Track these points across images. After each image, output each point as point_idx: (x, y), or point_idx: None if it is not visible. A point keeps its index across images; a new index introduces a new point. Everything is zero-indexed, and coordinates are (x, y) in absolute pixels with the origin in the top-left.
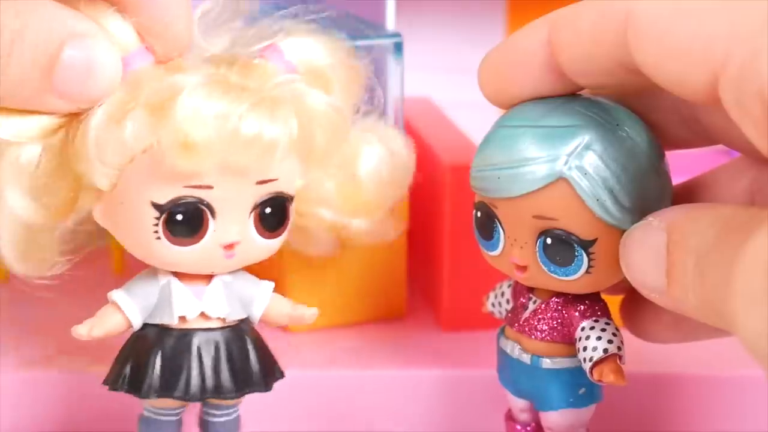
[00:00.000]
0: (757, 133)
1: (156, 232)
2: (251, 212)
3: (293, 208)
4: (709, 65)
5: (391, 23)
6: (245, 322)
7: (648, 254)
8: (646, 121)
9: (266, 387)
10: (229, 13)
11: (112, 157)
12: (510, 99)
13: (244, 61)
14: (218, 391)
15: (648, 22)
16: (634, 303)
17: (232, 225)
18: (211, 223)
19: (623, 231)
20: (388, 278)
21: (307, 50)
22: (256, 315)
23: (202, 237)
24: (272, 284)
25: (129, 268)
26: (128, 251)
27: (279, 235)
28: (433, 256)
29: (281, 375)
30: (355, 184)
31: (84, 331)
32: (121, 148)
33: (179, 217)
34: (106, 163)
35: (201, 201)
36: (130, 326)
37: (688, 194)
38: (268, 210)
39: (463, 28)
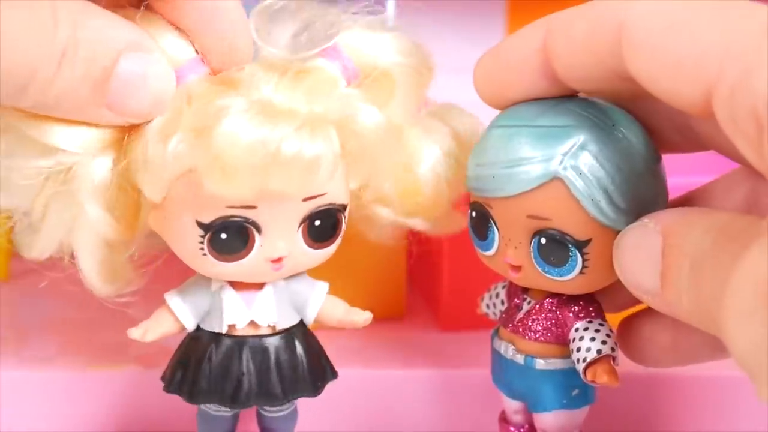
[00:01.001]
0: (751, 150)
1: (202, 249)
2: (300, 225)
3: (347, 214)
4: (702, 81)
5: (391, 23)
6: (298, 325)
7: (642, 256)
8: (641, 125)
9: (315, 391)
10: (296, 4)
11: (158, 172)
12: (506, 102)
13: (300, 68)
14: (266, 397)
15: (641, 35)
16: (631, 327)
17: (279, 240)
18: (258, 239)
19: (618, 232)
20: (387, 278)
21: (372, 48)
22: (309, 317)
23: (248, 253)
24: (327, 285)
25: None
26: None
27: (331, 244)
28: (432, 256)
29: (333, 376)
30: (414, 187)
31: (138, 334)
32: (163, 165)
33: (223, 235)
34: (154, 177)
35: (246, 219)
36: (183, 329)
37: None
38: (317, 222)
39: (463, 28)
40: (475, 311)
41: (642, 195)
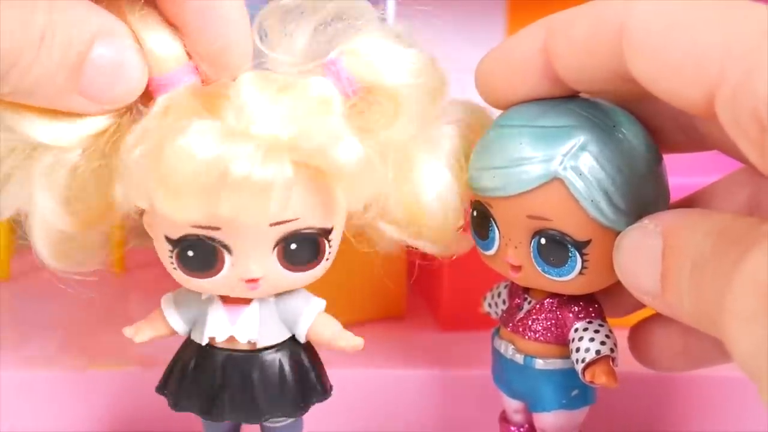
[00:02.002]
0: (754, 151)
1: (172, 263)
2: (275, 248)
3: (335, 237)
4: (703, 83)
5: (391, 23)
6: (287, 342)
7: (643, 257)
8: (644, 126)
9: (297, 412)
10: (307, 5)
11: (130, 180)
12: (507, 102)
13: (281, 85)
14: (242, 412)
15: (641, 36)
16: (642, 332)
17: (251, 262)
18: (228, 258)
19: (618, 233)
20: (388, 278)
21: (378, 65)
22: (300, 334)
23: (218, 272)
24: (322, 303)
25: (129, 269)
26: None
27: (313, 267)
28: (432, 256)
29: (324, 395)
30: (420, 211)
31: (130, 333)
32: (131, 174)
33: (190, 253)
34: (132, 185)
35: (212, 239)
36: (174, 332)
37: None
38: (293, 246)
39: (463, 28)
40: (475, 311)
41: (643, 196)
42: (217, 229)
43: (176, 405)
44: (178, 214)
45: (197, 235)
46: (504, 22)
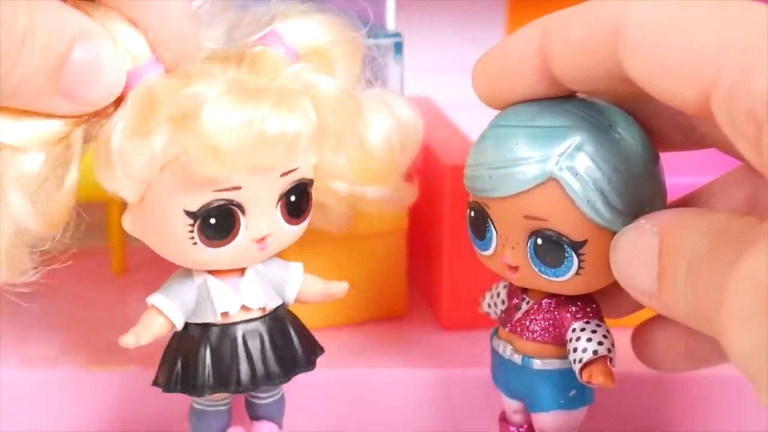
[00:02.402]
0: (751, 150)
1: (192, 238)
2: (278, 203)
3: (313, 190)
4: (699, 83)
5: (391, 23)
6: (282, 306)
7: (639, 257)
8: (642, 125)
9: (310, 366)
10: (222, 4)
11: (139, 170)
12: (504, 102)
13: (250, 55)
14: (268, 377)
15: (637, 36)
16: (645, 333)
17: (262, 219)
18: (243, 221)
19: (614, 233)
20: (388, 278)
21: (306, 31)
22: (290, 298)
23: (236, 235)
24: (301, 265)
25: (129, 268)
26: (161, 255)
27: (304, 219)
28: (433, 255)
29: (321, 350)
30: (366, 154)
31: (132, 340)
32: (147, 161)
33: (212, 221)
34: (133, 178)
35: (231, 202)
36: (173, 328)
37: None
38: (293, 198)
39: (463, 28)
40: (475, 311)
41: (639, 196)
42: (238, 188)
43: (199, 393)
44: (223, 172)
45: (218, 200)
46: (504, 22)
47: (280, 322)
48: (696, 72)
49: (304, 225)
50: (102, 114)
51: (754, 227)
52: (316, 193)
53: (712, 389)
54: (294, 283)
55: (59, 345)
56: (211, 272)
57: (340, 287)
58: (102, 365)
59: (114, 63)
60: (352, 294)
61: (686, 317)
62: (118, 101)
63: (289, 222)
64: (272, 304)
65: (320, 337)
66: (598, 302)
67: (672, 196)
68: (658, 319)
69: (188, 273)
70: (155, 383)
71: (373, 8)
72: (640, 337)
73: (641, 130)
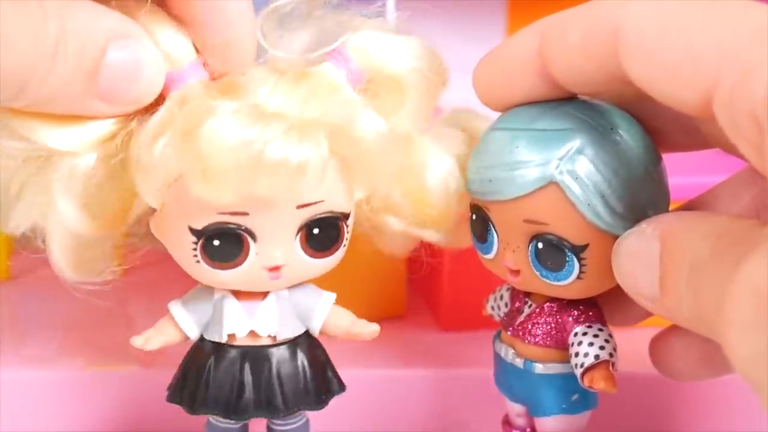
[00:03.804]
0: (753, 152)
1: (195, 256)
2: (297, 233)
3: (350, 223)
4: (700, 85)
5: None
6: (302, 336)
7: (641, 262)
8: (645, 126)
9: (319, 405)
10: (304, 9)
11: (150, 177)
12: (505, 105)
13: (298, 72)
14: (267, 408)
15: (636, 39)
16: (662, 343)
17: (275, 249)
18: (252, 247)
19: (616, 236)
20: (388, 278)
21: (381, 53)
22: (315, 327)
23: (243, 261)
24: (333, 296)
25: (129, 269)
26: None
27: (332, 253)
28: (432, 256)
29: (341, 389)
30: (423, 195)
31: (140, 342)
32: (153, 170)
33: (216, 242)
34: (148, 182)
35: (239, 226)
36: (187, 338)
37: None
38: (316, 231)
39: (463, 28)
40: (475, 311)
41: (641, 199)
42: (245, 214)
43: (195, 411)
44: (214, 197)
45: (224, 223)
46: (504, 22)
47: (293, 354)
48: (696, 74)
49: (333, 259)
50: (149, 111)
51: (756, 231)
52: (372, 219)
53: (717, 390)
54: (321, 313)
55: (58, 345)
56: (233, 291)
57: (368, 329)
58: (101, 365)
59: (151, 61)
60: (352, 294)
61: (688, 321)
62: (161, 100)
63: (310, 255)
64: (287, 333)
65: (319, 337)
66: (606, 309)
67: (677, 196)
68: (674, 328)
69: (211, 287)
70: (168, 388)
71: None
72: (657, 347)
73: (643, 132)
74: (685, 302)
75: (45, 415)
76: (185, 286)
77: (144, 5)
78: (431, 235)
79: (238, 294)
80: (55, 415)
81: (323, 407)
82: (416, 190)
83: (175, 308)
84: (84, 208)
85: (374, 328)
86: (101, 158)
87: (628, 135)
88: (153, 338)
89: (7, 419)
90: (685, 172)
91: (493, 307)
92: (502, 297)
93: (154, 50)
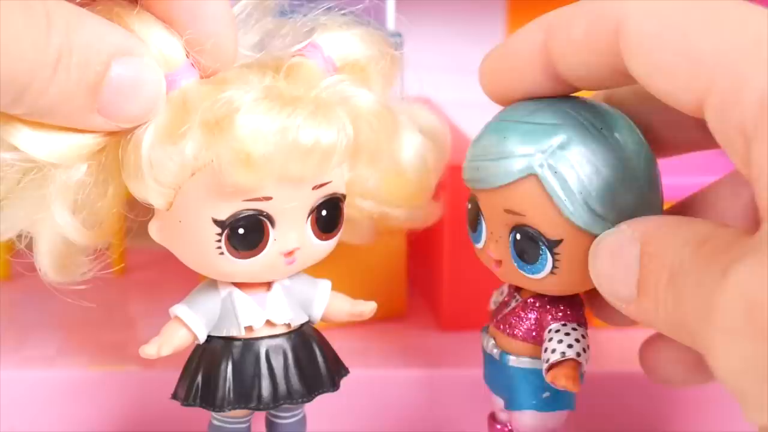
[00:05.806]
0: (740, 162)
1: (219, 248)
2: (308, 217)
3: (345, 205)
4: (694, 88)
5: (391, 23)
6: (307, 324)
7: (619, 264)
8: (650, 122)
9: (334, 387)
10: (260, 12)
11: (169, 176)
12: (511, 100)
13: (288, 64)
14: (290, 396)
15: (636, 37)
16: (653, 350)
17: (291, 232)
18: (272, 233)
19: (593, 236)
20: (388, 278)
21: (345, 44)
22: (316, 315)
23: (264, 247)
24: (329, 283)
25: (129, 269)
26: (188, 266)
27: (335, 235)
28: (433, 256)
29: (346, 372)
30: (399, 173)
31: (153, 350)
32: (178, 167)
33: (241, 231)
34: (162, 183)
35: (261, 212)
36: (196, 340)
37: (686, 211)
38: (324, 212)
39: (463, 28)
40: (475, 311)
41: (624, 202)
42: (269, 199)
43: (222, 409)
44: (255, 181)
45: (248, 209)
46: (504, 22)
47: (306, 340)
48: (692, 78)
49: (333, 241)
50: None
51: (742, 239)
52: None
53: (717, 390)
54: (321, 301)
55: (58, 345)
56: (237, 285)
57: (368, 307)
58: (101, 365)
59: (152, 80)
60: (352, 294)
61: (665, 327)
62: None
63: (319, 237)
64: (298, 320)
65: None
66: (606, 309)
67: (674, 196)
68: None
69: (213, 285)
70: (174, 396)
71: (373, 8)
72: (648, 354)
73: (639, 138)
74: (663, 307)
75: (45, 415)
76: (185, 286)
77: (130, 8)
78: (401, 213)
79: (243, 287)
80: (55, 415)
81: (337, 389)
82: (392, 167)
83: (182, 311)
84: (76, 217)
85: (373, 305)
86: (91, 170)
87: (620, 137)
88: (165, 345)
89: (7, 419)
90: (683, 172)
91: (495, 303)
92: (502, 292)
93: (157, 69)
